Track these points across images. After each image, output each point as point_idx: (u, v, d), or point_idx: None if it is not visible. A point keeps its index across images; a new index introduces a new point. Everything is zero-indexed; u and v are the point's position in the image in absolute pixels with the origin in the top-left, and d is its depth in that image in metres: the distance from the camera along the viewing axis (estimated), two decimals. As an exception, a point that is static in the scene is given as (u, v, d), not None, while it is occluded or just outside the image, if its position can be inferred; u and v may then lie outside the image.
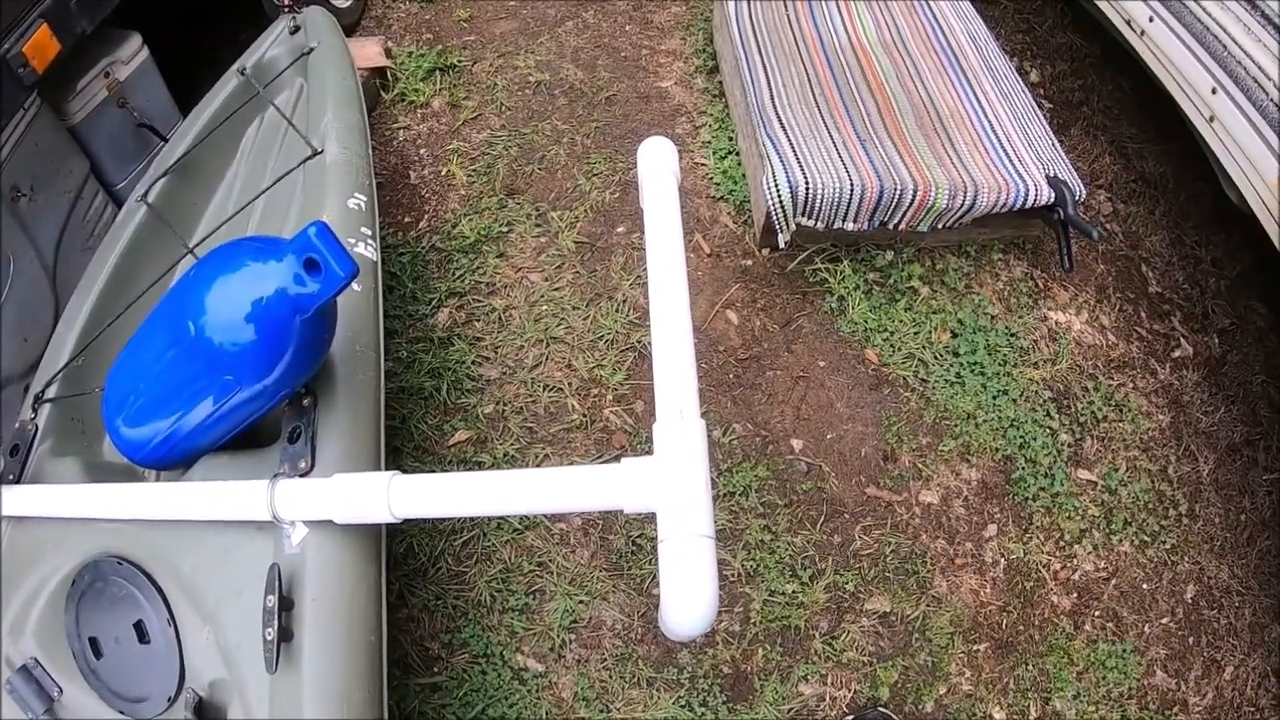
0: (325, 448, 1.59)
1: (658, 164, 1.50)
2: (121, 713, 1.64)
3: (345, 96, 2.21)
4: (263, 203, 2.20)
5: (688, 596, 1.02)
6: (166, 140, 2.54)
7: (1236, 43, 2.42)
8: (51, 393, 1.99)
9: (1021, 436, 2.65)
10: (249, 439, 1.68)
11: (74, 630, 1.67)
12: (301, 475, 1.55)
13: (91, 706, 1.68)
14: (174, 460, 1.70)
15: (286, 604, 1.44)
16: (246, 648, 1.49)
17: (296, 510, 1.44)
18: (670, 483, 1.11)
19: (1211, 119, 2.48)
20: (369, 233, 1.90)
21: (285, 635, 1.42)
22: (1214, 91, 2.45)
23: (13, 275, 2.36)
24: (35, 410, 1.97)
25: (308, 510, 1.43)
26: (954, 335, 2.76)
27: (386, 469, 1.37)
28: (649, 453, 1.13)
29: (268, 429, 1.67)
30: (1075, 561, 2.55)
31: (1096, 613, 2.51)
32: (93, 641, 1.65)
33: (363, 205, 1.95)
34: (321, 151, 2.03)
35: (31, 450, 1.93)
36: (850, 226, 2.60)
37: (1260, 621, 2.60)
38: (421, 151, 3.10)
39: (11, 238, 2.37)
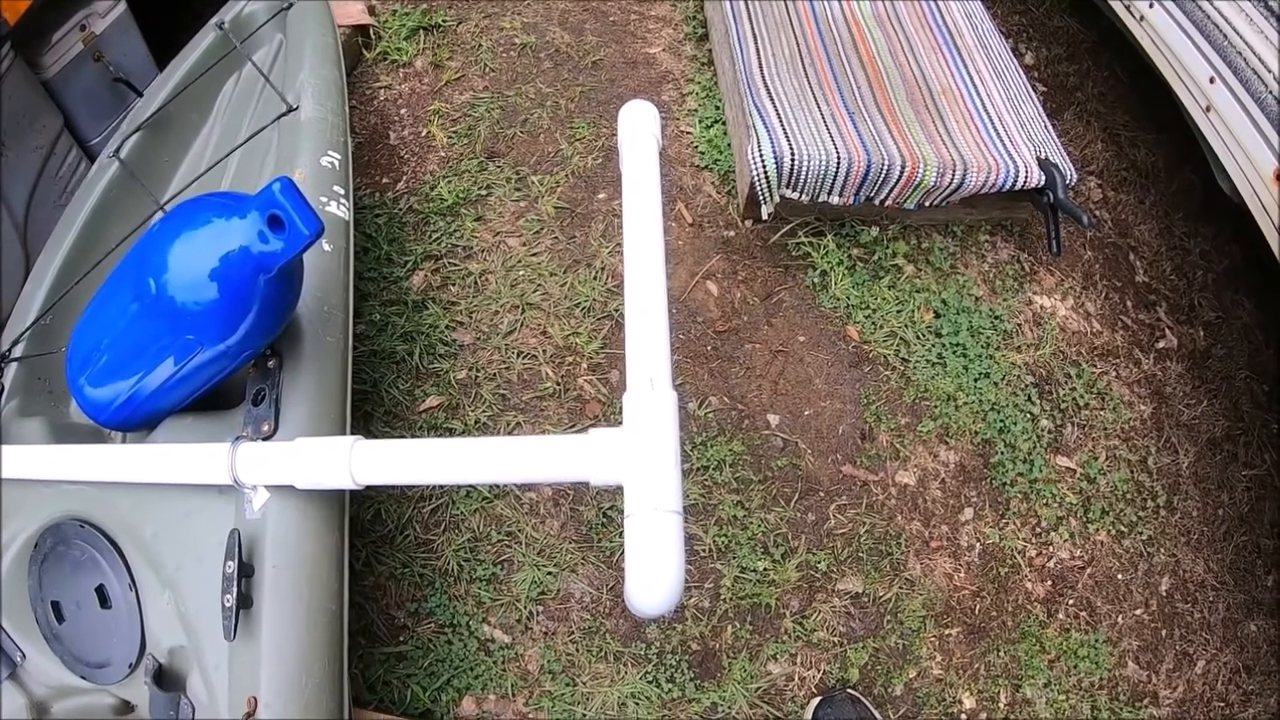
0: (290, 411, 1.56)
1: (639, 127, 1.46)
2: (84, 678, 1.63)
3: (323, 53, 2.16)
4: (237, 160, 2.16)
5: (653, 573, 0.99)
6: (142, 95, 2.49)
7: (1237, 32, 2.38)
8: (18, 352, 1.96)
9: (1002, 420, 2.63)
10: (216, 400, 1.65)
11: (37, 594, 1.65)
12: (265, 438, 1.53)
13: (54, 672, 1.68)
14: (137, 421, 1.66)
15: (246, 570, 1.41)
16: (206, 615, 1.47)
17: (257, 474, 1.40)
18: (638, 455, 1.08)
19: (1208, 109, 2.45)
20: (342, 191, 1.86)
21: (244, 602, 1.40)
22: (1212, 81, 2.41)
23: (-19, 233, 2.32)
24: (1, 370, 1.94)
25: (268, 474, 1.40)
26: (937, 315, 2.73)
27: (354, 434, 1.34)
28: (620, 424, 1.11)
29: (236, 390, 1.64)
30: (1051, 549, 2.54)
31: (1070, 601, 2.50)
32: (55, 606, 1.63)
33: (336, 164, 1.90)
34: (296, 108, 1.98)
35: (-3, 411, 1.90)
36: (835, 200, 2.56)
37: (1234, 617, 2.60)
38: (402, 112, 3.04)
39: (-20, 194, 2.33)
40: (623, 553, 2.23)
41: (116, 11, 2.69)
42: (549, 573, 2.31)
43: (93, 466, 1.58)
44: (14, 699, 1.68)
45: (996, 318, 2.76)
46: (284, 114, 1.98)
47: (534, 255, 2.72)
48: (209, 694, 1.47)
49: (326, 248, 1.74)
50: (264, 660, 1.40)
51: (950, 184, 2.49)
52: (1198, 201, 3.22)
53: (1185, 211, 3.21)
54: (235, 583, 1.37)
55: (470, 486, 2.37)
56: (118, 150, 2.22)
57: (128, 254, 1.51)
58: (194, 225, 1.34)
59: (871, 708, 2.23)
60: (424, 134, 2.97)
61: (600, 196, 2.84)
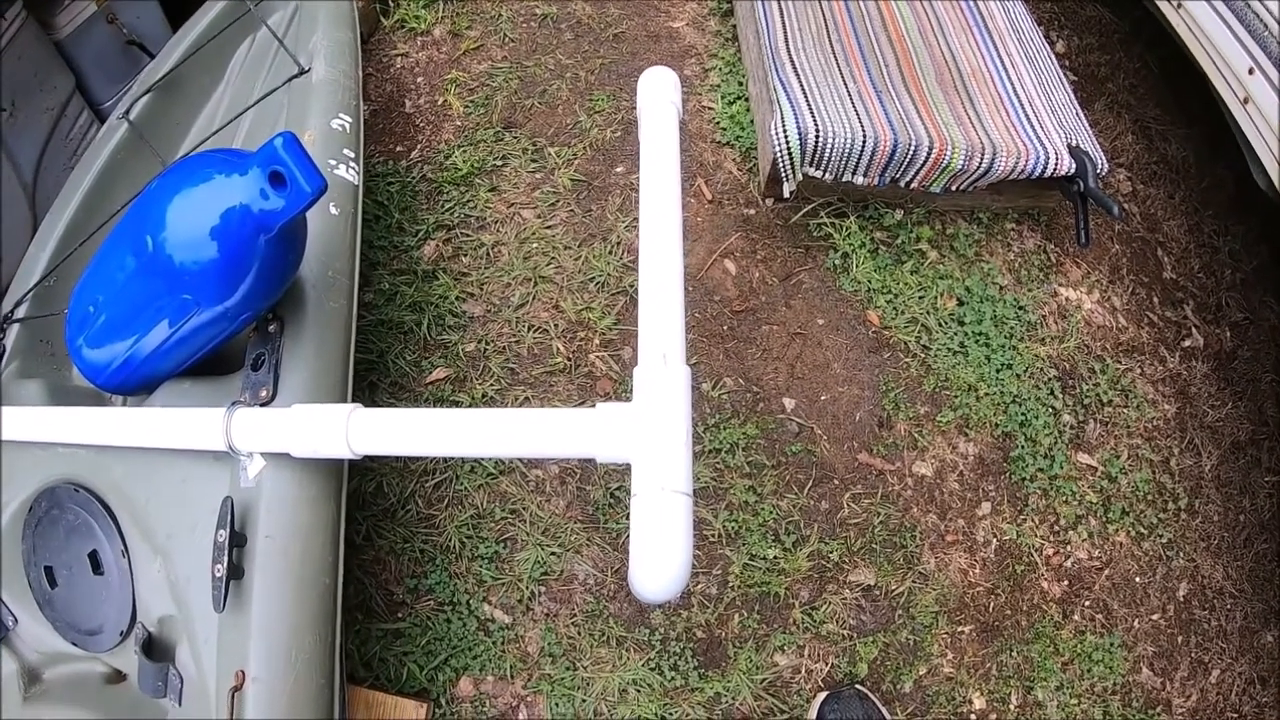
0: (289, 377, 1.52)
1: (658, 94, 1.40)
2: (75, 645, 1.61)
3: (338, 15, 2.12)
4: (247, 123, 2.14)
5: (659, 557, 0.95)
6: (154, 58, 2.46)
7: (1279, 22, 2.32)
8: (21, 313, 1.95)
9: (1023, 414, 2.56)
10: (218, 365, 1.62)
11: (30, 558, 1.63)
12: (262, 404, 1.48)
13: (47, 638, 1.66)
14: (135, 385, 1.63)
15: (238, 540, 1.38)
16: (196, 584, 1.44)
17: (252, 441, 1.36)
18: (648, 432, 1.03)
19: (1246, 101, 2.38)
20: (351, 155, 1.82)
21: (235, 573, 1.36)
22: (1251, 72, 2.34)
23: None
24: (3, 330, 1.93)
25: (264, 441, 1.35)
26: (960, 303, 2.66)
27: (355, 403, 1.30)
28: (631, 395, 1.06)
29: (238, 355, 1.60)
30: (1069, 548, 2.48)
31: (1086, 603, 2.45)
32: (48, 570, 1.61)
33: (347, 126, 1.86)
34: (308, 70, 1.94)
35: (-2, 372, 1.88)
36: (860, 181, 2.49)
37: (1251, 626, 2.55)
38: (419, 80, 2.99)
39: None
40: (629, 535, 2.20)
41: (132, -28, 2.67)
42: (553, 553, 2.27)
43: (85, 429, 1.55)
44: (6, 664, 1.68)
45: (1021, 308, 2.70)
46: (295, 75, 1.94)
47: (548, 228, 2.67)
48: (197, 666, 1.43)
49: (334, 211, 1.69)
50: (253, 633, 1.36)
51: (978, 168, 2.43)
52: (1228, 198, 3.14)
53: (1215, 208, 3.14)
54: (226, 552, 1.33)
55: (474, 461, 2.33)
56: (127, 112, 2.20)
57: (128, 210, 1.47)
58: (193, 181, 1.29)
59: (879, 705, 2.18)
60: (440, 103, 2.92)
61: (618, 170, 2.79)
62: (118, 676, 1.61)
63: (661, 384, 1.06)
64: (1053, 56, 2.80)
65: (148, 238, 1.31)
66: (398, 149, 2.83)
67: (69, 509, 1.59)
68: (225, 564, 1.33)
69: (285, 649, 1.37)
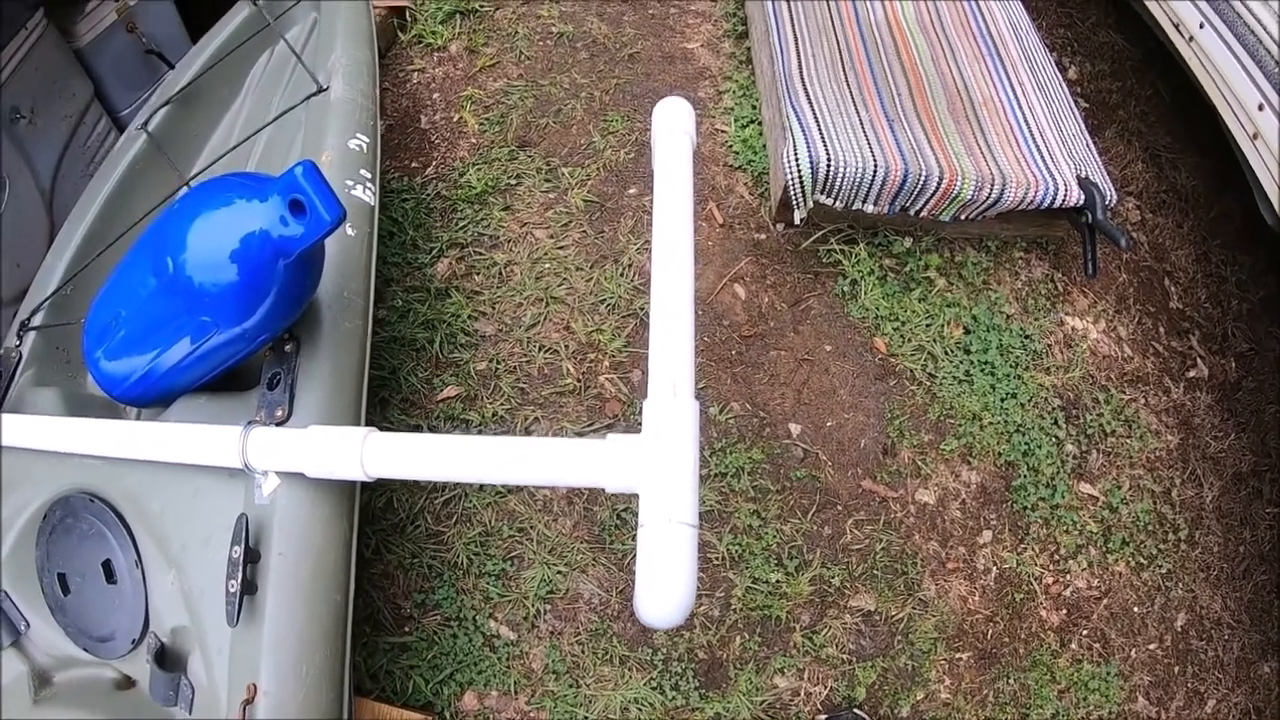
0: (304, 396, 1.54)
1: (672, 125, 1.42)
2: (86, 650, 1.62)
3: (357, 33, 2.14)
4: (264, 139, 2.16)
5: (664, 586, 0.98)
6: (174, 68, 2.48)
7: (1292, 62, 2.34)
8: (37, 320, 1.97)
9: (1026, 443, 2.58)
10: (233, 380, 1.63)
11: (44, 565, 1.65)
12: (278, 424, 1.51)
13: (58, 643, 1.67)
14: (152, 398, 1.65)
15: (252, 556, 1.40)
16: (210, 597, 1.46)
17: (268, 460, 1.38)
18: (656, 465, 1.05)
19: (1255, 136, 2.39)
20: (368, 175, 1.84)
21: (249, 588, 1.38)
22: (1261, 108, 2.36)
23: (7, 199, 2.31)
24: (20, 338, 1.95)
25: (279, 461, 1.38)
26: (967, 331, 2.68)
27: (370, 421, 1.32)
28: (640, 424, 1.08)
29: (253, 371, 1.62)
30: (1068, 577, 2.50)
31: (1084, 632, 2.46)
32: (61, 578, 1.62)
33: (364, 146, 1.88)
34: (326, 89, 1.97)
35: (14, 378, 1.91)
36: (870, 209, 2.52)
37: (1248, 657, 2.56)
38: (435, 96, 3.02)
39: (8, 160, 2.32)
40: (635, 556, 2.22)
41: (151, -18, 2.70)
42: (559, 572, 2.29)
43: (104, 441, 1.57)
44: (17, 667, 1.69)
45: (1027, 337, 2.72)
46: (313, 94, 1.96)
47: (561, 248, 2.69)
48: (209, 677, 1.45)
49: (350, 232, 1.72)
50: (265, 648, 1.38)
51: (988, 198, 2.45)
52: (1236, 228, 3.16)
53: (1224, 238, 3.15)
54: (241, 568, 1.35)
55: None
56: (146, 123, 2.22)
57: (148, 229, 1.49)
58: (214, 205, 1.32)
59: (877, 729, 2.21)
60: (456, 119, 2.95)
61: (631, 191, 2.81)
62: (127, 682, 1.62)
63: (670, 417, 1.08)
64: (1064, 85, 2.81)
65: (168, 259, 1.33)
66: (413, 165, 2.85)
67: (83, 518, 1.60)
68: (239, 580, 1.35)
69: (296, 664, 1.39)
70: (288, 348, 1.58)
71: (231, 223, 1.28)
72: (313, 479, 1.39)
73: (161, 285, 1.38)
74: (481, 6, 3.22)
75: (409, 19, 3.17)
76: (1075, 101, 2.81)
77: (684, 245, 1.27)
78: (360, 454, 1.25)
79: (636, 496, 1.05)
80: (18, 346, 1.94)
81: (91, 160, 2.59)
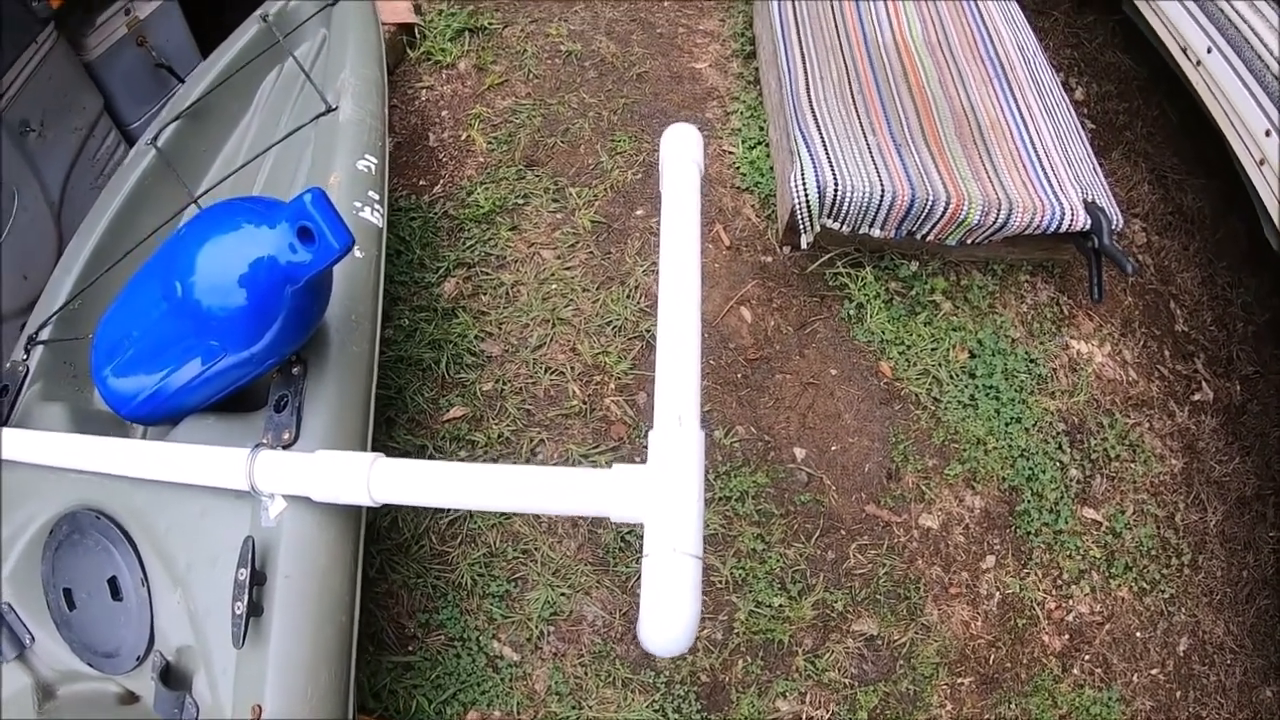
0: (311, 419, 1.55)
1: (681, 152, 1.42)
2: (90, 665, 1.63)
3: (366, 52, 2.15)
4: (272, 157, 2.16)
5: (667, 615, 0.99)
6: (183, 82, 2.49)
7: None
8: (45, 335, 1.97)
9: (1030, 468, 2.58)
10: (239, 400, 1.64)
11: (49, 580, 1.65)
12: (285, 447, 1.51)
13: (63, 657, 1.68)
14: (159, 417, 1.66)
15: (258, 578, 1.40)
16: (215, 617, 1.46)
17: (275, 483, 1.39)
18: (661, 495, 1.06)
19: (1262, 163, 2.40)
20: (376, 197, 1.84)
21: (255, 610, 1.39)
22: (1268, 134, 2.37)
23: (16, 211, 2.32)
24: (28, 352, 1.95)
25: (286, 484, 1.39)
26: (972, 355, 2.69)
27: (376, 440, 1.33)
28: (645, 449, 1.09)
29: (259, 390, 1.62)
30: (1071, 602, 2.49)
31: (1086, 657, 2.46)
32: (67, 593, 1.63)
33: (372, 168, 1.89)
34: (335, 109, 1.97)
35: (21, 392, 1.91)
36: (877, 233, 2.53)
37: (1250, 682, 2.55)
38: (443, 114, 3.03)
39: (17, 173, 2.33)
40: (638, 579, 2.22)
41: (162, -3, 2.71)
42: (562, 593, 2.29)
43: (112, 460, 1.58)
44: (21, 679, 1.69)
45: (1032, 361, 2.72)
46: (322, 114, 1.97)
47: (567, 269, 2.70)
48: (213, 696, 1.46)
49: (358, 254, 1.72)
50: (270, 669, 1.38)
51: (994, 223, 2.46)
52: (1242, 250, 3.16)
53: (1229, 260, 3.16)
54: (247, 590, 1.36)
55: (489, 506, 2.35)
56: (155, 138, 2.23)
57: (158, 250, 1.50)
58: (223, 230, 1.32)
59: (879, 753, 2.20)
60: (464, 138, 2.96)
61: (638, 213, 2.82)
62: (130, 698, 1.63)
63: (676, 448, 1.09)
64: (1071, 108, 2.82)
65: (177, 283, 1.34)
66: (420, 183, 2.87)
67: (90, 534, 1.61)
68: (245, 602, 1.35)
69: (301, 685, 1.40)
70: (295, 370, 1.58)
71: (240, 248, 1.29)
72: (319, 502, 1.39)
73: (171, 308, 1.38)
74: (490, 24, 3.23)
75: (418, 36, 3.18)
76: (1082, 123, 2.82)
77: (691, 275, 1.27)
78: (367, 479, 1.25)
79: (640, 525, 1.06)
80: (25, 360, 1.94)
81: (100, 173, 2.61)
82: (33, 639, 1.70)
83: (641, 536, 1.04)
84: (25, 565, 1.71)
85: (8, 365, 1.95)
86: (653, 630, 0.99)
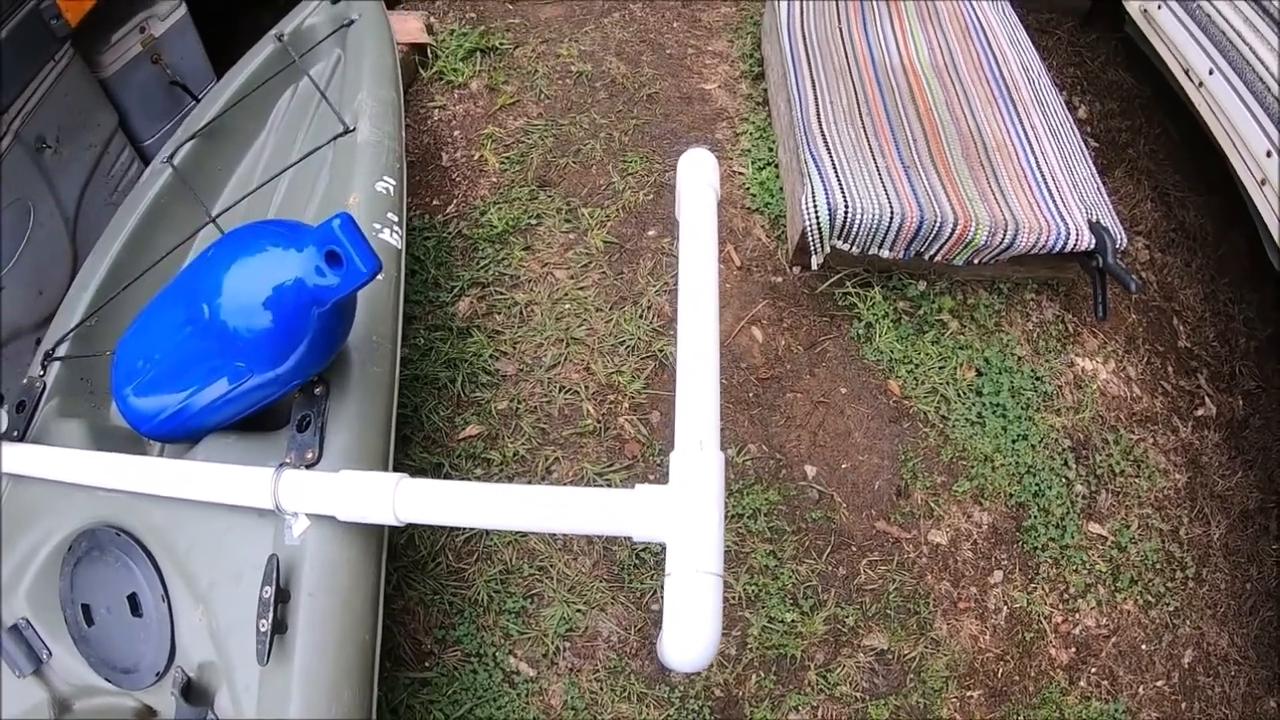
0: (334, 439, 1.57)
1: (697, 178, 1.44)
2: (108, 680, 1.63)
3: (382, 73, 2.17)
4: (289, 177, 2.17)
5: (690, 633, 1.02)
6: (198, 100, 2.51)
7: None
8: (62, 351, 1.97)
9: (1037, 484, 2.61)
10: (258, 419, 1.65)
11: (68, 595, 1.66)
12: (308, 466, 1.53)
13: (80, 672, 1.68)
14: (180, 436, 1.68)
15: (283, 596, 1.42)
16: (238, 634, 1.47)
17: (300, 502, 1.41)
18: (683, 516, 1.09)
19: (1264, 183, 2.42)
20: (395, 219, 1.87)
21: (279, 628, 1.40)
22: (1269, 155, 2.39)
23: (31, 226, 2.33)
24: (45, 368, 1.95)
25: (311, 504, 1.41)
26: (979, 374, 2.72)
27: (395, 461, 1.34)
28: (661, 468, 1.11)
29: (280, 411, 1.64)
30: (1077, 616, 2.51)
31: (1093, 669, 2.48)
32: (85, 609, 1.64)
33: (391, 189, 1.91)
34: (353, 130, 2.00)
35: (38, 408, 1.91)
36: (886, 254, 2.56)
37: (1254, 693, 2.57)
38: (456, 134, 3.06)
39: (33, 189, 2.34)
40: (654, 594, 2.24)
41: (176, 15, 2.74)
42: (578, 610, 2.30)
43: (136, 477, 1.59)
44: (38, 694, 1.69)
45: (1038, 378, 2.75)
46: (340, 135, 1.99)
47: (581, 289, 2.73)
48: (236, 713, 1.47)
49: (379, 276, 1.74)
50: (295, 686, 1.40)
51: (1001, 243, 2.48)
52: (1244, 266, 3.19)
53: (1231, 276, 3.18)
54: (272, 608, 1.37)
55: (507, 524, 2.37)
56: (171, 156, 2.23)
57: (182, 271, 1.52)
58: (250, 252, 1.34)
59: (890, 767, 2.22)
60: (477, 158, 2.98)
61: (650, 233, 2.85)
62: (148, 713, 1.63)
63: (697, 470, 1.11)
64: (1075, 128, 2.85)
65: (204, 305, 1.36)
66: (434, 203, 2.89)
67: (110, 551, 1.62)
68: (270, 619, 1.37)
69: (325, 702, 1.42)
70: (317, 390, 1.60)
71: (268, 271, 1.31)
72: (343, 521, 1.41)
73: (197, 329, 1.40)
74: (502, 45, 3.26)
75: (430, 56, 3.20)
76: (1085, 141, 2.85)
77: (709, 300, 1.29)
78: (393, 499, 1.27)
79: (661, 545, 1.08)
80: (42, 376, 1.95)
81: (115, 189, 2.62)
82: (50, 654, 1.70)
83: (656, 553, 1.07)
84: (42, 582, 1.71)
85: (25, 381, 1.95)
86: (676, 647, 1.01)
